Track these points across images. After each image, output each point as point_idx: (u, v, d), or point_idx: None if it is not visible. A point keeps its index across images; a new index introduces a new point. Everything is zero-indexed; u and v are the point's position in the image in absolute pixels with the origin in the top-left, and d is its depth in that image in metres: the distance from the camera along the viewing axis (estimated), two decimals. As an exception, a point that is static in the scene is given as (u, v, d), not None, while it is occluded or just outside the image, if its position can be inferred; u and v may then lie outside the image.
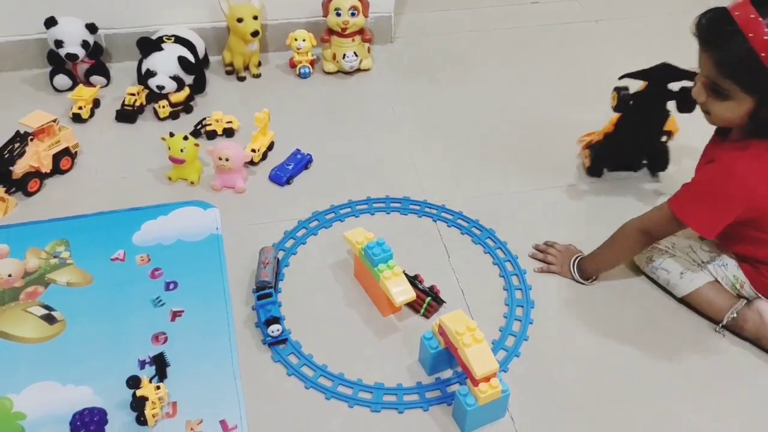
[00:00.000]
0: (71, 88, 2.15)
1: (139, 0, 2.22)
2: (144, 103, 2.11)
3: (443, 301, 1.58)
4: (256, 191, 1.87)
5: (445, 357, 1.43)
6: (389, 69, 2.37)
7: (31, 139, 1.83)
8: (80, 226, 1.74)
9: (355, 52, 2.27)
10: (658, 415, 1.41)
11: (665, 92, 1.80)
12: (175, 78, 2.07)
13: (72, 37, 2.10)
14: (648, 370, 1.48)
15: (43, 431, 1.32)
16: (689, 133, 1.85)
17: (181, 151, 1.82)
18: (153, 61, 2.07)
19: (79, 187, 1.87)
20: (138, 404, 1.33)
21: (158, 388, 1.35)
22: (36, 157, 1.82)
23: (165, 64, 2.07)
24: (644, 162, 1.97)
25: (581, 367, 1.48)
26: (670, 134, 1.91)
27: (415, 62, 2.41)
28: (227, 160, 1.81)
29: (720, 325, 1.54)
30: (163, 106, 2.08)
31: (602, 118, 2.19)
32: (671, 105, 1.82)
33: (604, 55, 2.48)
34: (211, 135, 2.03)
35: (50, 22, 2.09)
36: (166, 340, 1.49)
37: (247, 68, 2.29)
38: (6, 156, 1.79)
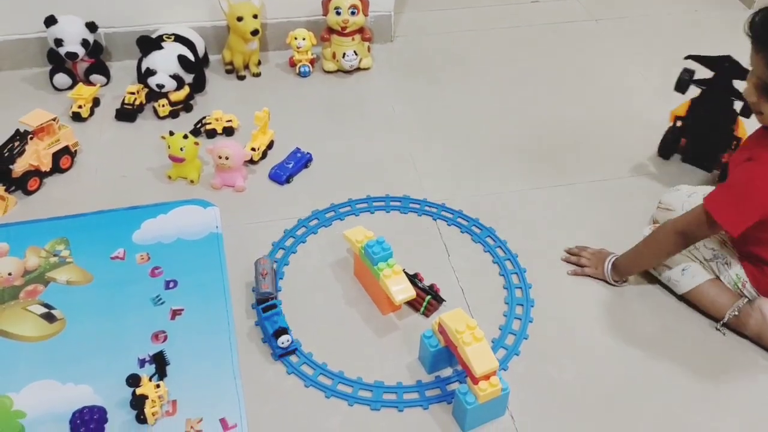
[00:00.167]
0: (71, 87, 2.15)
1: (139, -1, 2.22)
2: (144, 101, 2.11)
3: (443, 300, 1.59)
4: (256, 190, 1.87)
5: (445, 355, 1.43)
6: (389, 68, 2.37)
7: (31, 138, 1.83)
8: (80, 224, 1.74)
9: (354, 51, 2.27)
10: (657, 413, 1.41)
11: (730, 87, 1.80)
12: (175, 77, 2.07)
13: (72, 35, 2.10)
14: (648, 368, 1.48)
15: (43, 430, 1.33)
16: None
17: (181, 149, 1.82)
18: (153, 60, 2.07)
19: (78, 186, 1.87)
20: (138, 402, 1.33)
21: (158, 386, 1.35)
22: (36, 155, 1.82)
23: (165, 62, 2.07)
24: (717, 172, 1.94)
25: (581, 366, 1.48)
26: (739, 141, 1.87)
27: (415, 61, 2.41)
28: (227, 158, 1.81)
29: (721, 323, 1.54)
30: (163, 105, 2.08)
31: (602, 117, 2.20)
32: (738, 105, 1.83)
33: (604, 54, 2.48)
34: (211, 134, 2.03)
35: (50, 21, 2.09)
36: (165, 338, 1.49)
37: (247, 67, 2.29)
38: (6, 154, 1.79)
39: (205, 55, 2.28)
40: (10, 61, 2.24)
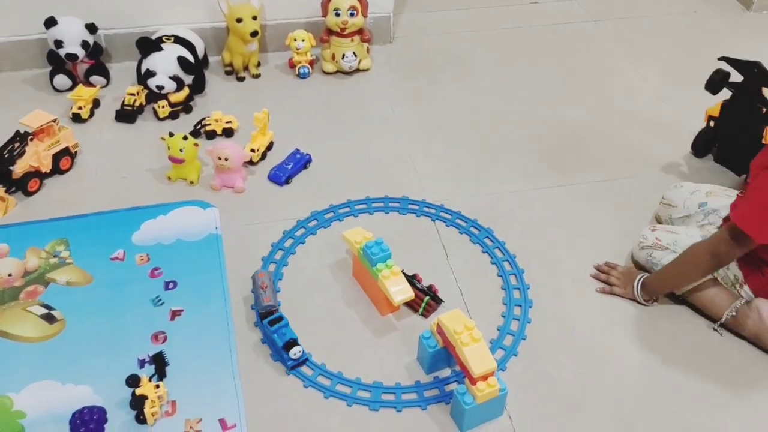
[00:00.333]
0: (71, 88, 2.16)
1: (139, 0, 2.22)
2: (143, 103, 2.12)
3: (442, 301, 1.59)
4: (256, 191, 1.87)
5: (443, 356, 1.43)
6: (388, 69, 2.38)
7: (31, 139, 1.83)
8: (80, 225, 1.74)
9: (354, 52, 2.28)
10: (655, 414, 1.41)
11: (758, 93, 1.81)
12: (175, 78, 2.08)
13: (72, 37, 2.11)
14: (646, 369, 1.49)
15: (43, 430, 1.33)
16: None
17: (181, 150, 1.82)
18: (152, 61, 2.08)
19: (78, 187, 1.87)
20: (137, 403, 1.34)
21: (157, 386, 1.36)
22: (36, 156, 1.82)
23: (164, 64, 2.07)
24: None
25: (579, 366, 1.48)
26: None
27: (414, 62, 2.41)
28: (226, 159, 1.82)
29: (718, 323, 1.54)
30: (163, 106, 2.08)
31: (601, 118, 2.20)
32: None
33: (603, 55, 2.48)
34: (211, 135, 2.04)
35: (50, 22, 2.10)
36: (165, 339, 1.49)
37: (246, 68, 2.30)
38: (6, 156, 1.79)
39: (205, 56, 2.28)
40: (11, 62, 2.25)
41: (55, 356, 1.45)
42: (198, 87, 2.19)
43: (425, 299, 1.57)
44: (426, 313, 1.57)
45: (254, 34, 2.18)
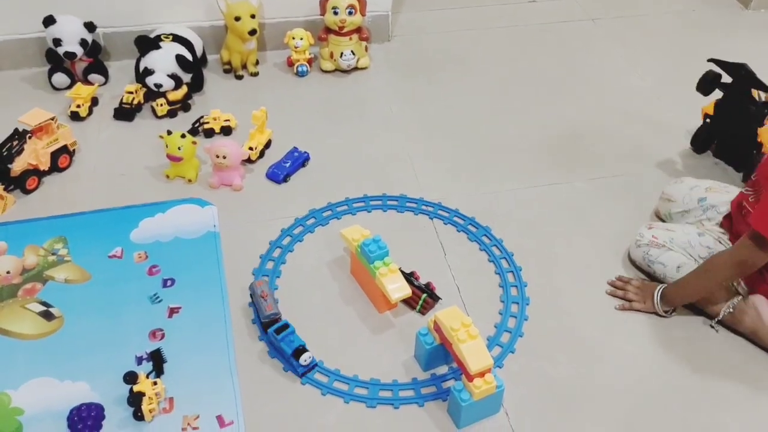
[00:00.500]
0: (69, 87, 2.16)
1: (138, -1, 2.23)
2: (142, 101, 2.12)
3: (439, 298, 1.59)
4: (254, 189, 1.88)
5: (440, 353, 1.44)
6: (386, 67, 2.38)
7: (30, 137, 1.84)
8: (78, 223, 1.75)
9: (352, 51, 2.28)
10: (652, 411, 1.41)
11: (747, 94, 1.83)
12: (173, 76, 2.08)
13: (70, 35, 2.11)
14: (642, 366, 1.49)
15: (41, 426, 1.34)
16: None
17: (179, 149, 1.82)
18: (151, 60, 2.08)
19: (77, 185, 1.88)
20: (135, 400, 1.34)
21: (155, 383, 1.36)
22: (34, 154, 1.83)
23: (163, 62, 2.07)
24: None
25: (576, 363, 1.49)
26: (760, 146, 1.87)
27: (413, 61, 2.41)
28: (225, 157, 1.82)
29: (715, 320, 1.54)
30: (161, 105, 2.09)
31: (598, 116, 2.21)
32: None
33: (601, 53, 2.48)
34: (209, 133, 2.04)
35: (49, 21, 2.10)
36: (163, 336, 1.50)
37: (244, 67, 2.30)
38: (4, 154, 1.79)
39: (203, 54, 2.29)
40: (9, 60, 2.25)
41: (53, 353, 1.46)
42: (196, 85, 2.19)
43: (423, 296, 1.57)
44: (423, 311, 1.57)
45: (252, 32, 2.18)
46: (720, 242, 1.59)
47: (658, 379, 1.47)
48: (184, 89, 2.13)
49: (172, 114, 2.11)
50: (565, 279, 1.66)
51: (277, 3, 2.32)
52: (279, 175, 1.89)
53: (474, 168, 1.97)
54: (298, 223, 1.78)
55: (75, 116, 2.07)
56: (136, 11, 2.24)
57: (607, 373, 1.48)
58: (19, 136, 1.83)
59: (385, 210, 1.83)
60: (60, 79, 2.18)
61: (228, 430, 1.34)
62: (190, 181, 1.88)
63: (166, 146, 1.83)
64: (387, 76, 2.34)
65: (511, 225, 1.79)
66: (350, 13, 2.22)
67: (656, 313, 1.57)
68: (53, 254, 1.67)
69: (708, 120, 1.98)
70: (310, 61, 2.31)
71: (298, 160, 1.93)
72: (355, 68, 2.33)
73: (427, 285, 1.60)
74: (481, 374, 1.30)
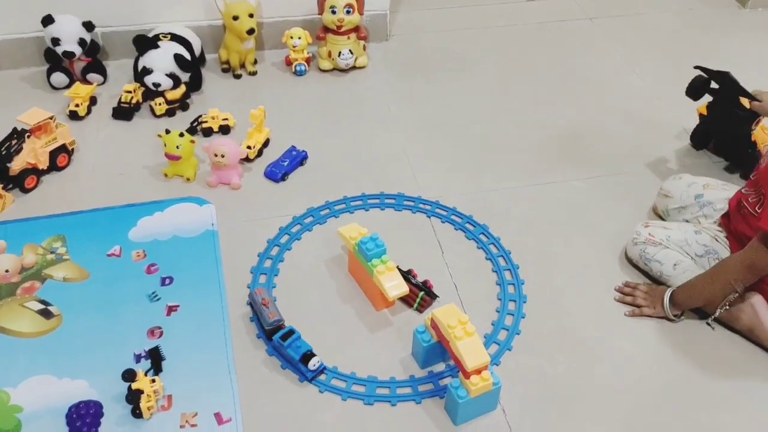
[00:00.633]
0: (68, 86, 2.16)
1: (136, -2, 2.24)
2: (140, 100, 2.13)
3: (436, 296, 1.60)
4: (252, 188, 1.88)
5: (437, 350, 1.44)
6: (385, 66, 2.38)
7: (28, 136, 1.84)
8: (77, 222, 1.75)
9: (350, 50, 2.28)
10: (649, 409, 1.42)
11: (734, 100, 1.84)
12: (172, 75, 2.08)
13: (69, 35, 2.11)
14: (638, 364, 1.50)
15: (40, 424, 1.34)
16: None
17: (177, 147, 1.83)
18: (149, 59, 2.08)
19: (75, 184, 1.88)
20: (133, 397, 1.34)
21: (153, 381, 1.37)
22: (33, 153, 1.83)
23: (161, 61, 2.08)
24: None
25: (572, 361, 1.49)
26: (754, 145, 1.89)
27: (411, 60, 2.42)
28: (223, 156, 1.82)
29: (712, 317, 1.55)
30: (160, 104, 2.09)
31: (596, 115, 2.21)
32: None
33: (599, 52, 2.49)
34: (207, 132, 2.04)
35: (47, 20, 2.11)
36: (161, 334, 1.50)
37: (243, 66, 2.31)
38: (3, 153, 1.80)
39: (202, 53, 2.29)
40: (8, 60, 2.26)
41: (51, 351, 1.46)
42: (195, 84, 2.19)
43: (420, 294, 1.57)
44: (421, 309, 1.58)
45: (251, 31, 2.18)
46: (717, 240, 1.60)
47: (654, 376, 1.47)
48: (182, 88, 2.13)
49: (170, 113, 2.11)
50: (562, 277, 1.67)
51: (275, 2, 2.33)
52: (277, 173, 1.89)
53: (472, 167, 1.98)
54: (296, 222, 1.78)
55: (73, 115, 2.07)
56: (135, 11, 2.25)
57: (603, 370, 1.48)
58: (18, 136, 1.84)
59: (382, 208, 1.84)
60: (58, 78, 2.18)
61: (226, 427, 1.35)
62: (188, 179, 1.88)
63: (165, 145, 1.84)
64: (385, 75, 2.35)
65: (508, 223, 1.79)
66: (348, 12, 2.22)
67: (666, 318, 1.56)
68: (52, 253, 1.67)
69: (702, 120, 1.99)
70: (308, 61, 2.32)
71: (296, 159, 1.94)
72: (354, 67, 2.34)
73: (425, 283, 1.61)
74: (478, 371, 1.31)
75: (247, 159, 1.93)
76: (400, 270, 1.56)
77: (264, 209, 1.82)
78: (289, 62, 2.32)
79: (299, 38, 2.26)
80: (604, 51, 2.50)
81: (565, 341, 1.53)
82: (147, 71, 2.08)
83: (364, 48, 2.37)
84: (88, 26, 2.15)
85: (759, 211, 1.49)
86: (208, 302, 1.57)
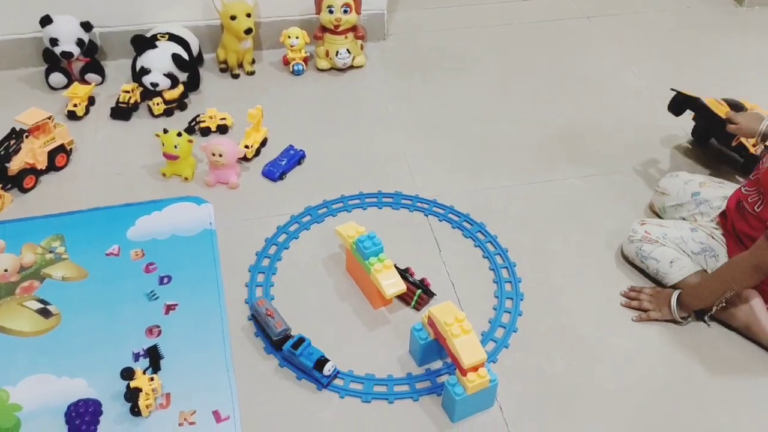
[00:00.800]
0: (66, 86, 2.17)
1: (134, -2, 2.24)
2: (138, 100, 2.13)
3: (433, 294, 1.60)
4: (250, 187, 1.89)
5: (434, 348, 1.45)
6: (382, 66, 2.39)
7: (27, 136, 1.84)
8: (75, 221, 1.76)
9: (347, 49, 2.29)
10: (645, 406, 1.42)
11: (714, 119, 1.85)
12: (169, 75, 2.09)
13: (67, 35, 2.12)
14: (635, 361, 1.50)
15: (39, 422, 1.35)
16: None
17: (175, 147, 1.83)
18: (147, 59, 2.09)
19: (74, 184, 1.89)
20: (132, 395, 1.35)
21: (152, 379, 1.37)
22: (31, 153, 1.84)
23: (159, 61, 2.08)
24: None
25: (570, 358, 1.50)
26: (745, 148, 1.88)
27: (408, 59, 2.42)
28: (221, 156, 1.83)
29: (708, 314, 1.55)
30: (158, 104, 2.10)
31: (593, 114, 2.22)
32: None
33: (596, 51, 2.50)
34: (205, 131, 2.05)
35: (45, 21, 2.11)
36: (160, 333, 1.51)
37: (240, 65, 2.31)
38: (2, 153, 1.80)
39: (199, 53, 2.30)
40: (6, 60, 2.26)
41: (50, 350, 1.47)
42: (192, 84, 2.20)
43: (417, 292, 1.58)
44: (418, 306, 1.58)
45: (248, 31, 2.19)
46: (713, 237, 1.61)
47: (651, 373, 1.48)
48: (180, 88, 2.13)
49: (168, 113, 2.12)
50: (559, 275, 1.67)
51: (272, 2, 2.33)
52: (275, 173, 1.90)
53: (469, 165, 1.98)
54: (294, 221, 1.79)
55: (72, 115, 2.08)
56: (133, 11, 2.26)
57: (600, 367, 1.49)
58: (17, 136, 1.84)
59: (380, 207, 1.84)
60: (57, 78, 2.19)
61: (224, 425, 1.35)
62: (186, 179, 1.89)
63: (163, 145, 1.84)
64: (382, 75, 2.35)
65: (505, 222, 1.80)
66: (345, 12, 2.23)
67: (674, 321, 1.56)
68: (51, 252, 1.68)
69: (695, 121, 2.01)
70: (305, 60, 2.32)
71: (293, 158, 1.94)
72: (351, 67, 2.34)
73: (422, 281, 1.61)
74: (475, 368, 1.31)
75: (244, 158, 1.94)
76: (397, 268, 1.56)
77: (262, 208, 1.82)
78: (286, 62, 2.32)
79: (297, 38, 2.27)
80: (601, 50, 2.50)
81: (563, 339, 1.54)
82: (145, 71, 2.08)
83: (362, 47, 2.37)
84: (86, 26, 2.16)
85: (758, 210, 1.50)
86: (206, 301, 1.57)
